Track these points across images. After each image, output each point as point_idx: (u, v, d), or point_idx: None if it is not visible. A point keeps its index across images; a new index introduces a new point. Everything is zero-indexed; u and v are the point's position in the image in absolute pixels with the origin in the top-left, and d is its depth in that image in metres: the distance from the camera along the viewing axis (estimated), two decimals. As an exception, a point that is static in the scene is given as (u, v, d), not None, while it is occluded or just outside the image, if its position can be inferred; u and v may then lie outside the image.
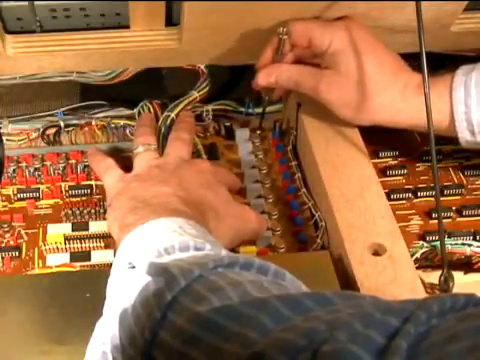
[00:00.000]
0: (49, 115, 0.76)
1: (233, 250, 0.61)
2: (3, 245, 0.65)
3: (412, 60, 0.66)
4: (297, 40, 0.67)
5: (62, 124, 0.76)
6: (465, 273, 0.62)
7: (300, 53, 0.69)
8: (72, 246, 0.64)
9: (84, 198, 0.69)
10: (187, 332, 0.39)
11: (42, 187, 0.70)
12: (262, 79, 0.70)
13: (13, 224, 0.67)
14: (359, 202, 0.63)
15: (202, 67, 0.76)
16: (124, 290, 0.46)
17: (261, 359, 0.35)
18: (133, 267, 0.48)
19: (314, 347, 0.34)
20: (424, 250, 0.62)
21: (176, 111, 0.72)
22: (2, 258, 0.64)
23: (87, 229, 0.66)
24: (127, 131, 0.76)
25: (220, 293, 0.41)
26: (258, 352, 0.36)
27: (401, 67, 0.67)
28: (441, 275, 0.57)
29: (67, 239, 0.65)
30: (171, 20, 0.68)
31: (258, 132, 0.77)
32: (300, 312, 0.38)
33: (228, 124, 0.78)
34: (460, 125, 0.64)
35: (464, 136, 0.65)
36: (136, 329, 0.43)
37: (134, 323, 0.43)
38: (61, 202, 0.69)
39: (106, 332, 0.46)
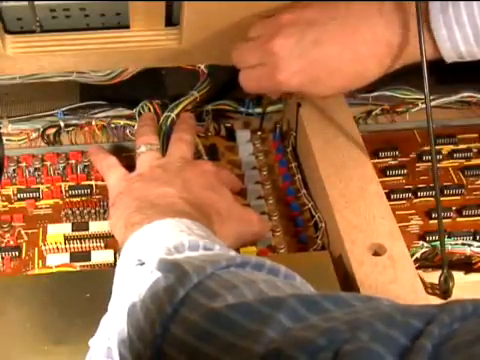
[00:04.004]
0: (49, 115, 0.76)
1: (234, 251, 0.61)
2: (3, 245, 0.65)
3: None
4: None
5: (62, 124, 0.76)
6: (465, 273, 0.62)
7: None
8: (72, 246, 0.64)
9: (84, 198, 0.70)
10: (201, 328, 0.39)
11: (42, 187, 0.70)
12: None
13: (13, 224, 0.67)
14: (359, 202, 0.63)
15: (202, 67, 0.76)
16: (133, 286, 0.46)
17: (279, 356, 0.35)
18: (142, 264, 0.48)
19: (335, 347, 0.34)
20: (424, 250, 0.62)
21: (176, 111, 0.72)
22: (2, 258, 0.64)
23: (87, 229, 0.66)
24: (127, 131, 0.76)
25: (235, 291, 0.41)
26: (276, 349, 0.35)
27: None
28: (441, 275, 0.57)
29: (67, 239, 0.65)
30: (171, 20, 0.68)
31: (259, 133, 0.77)
32: (318, 312, 0.37)
33: (229, 125, 0.78)
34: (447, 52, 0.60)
35: (450, 56, 0.61)
36: (145, 324, 0.43)
37: (143, 318, 0.43)
38: (61, 202, 0.69)
39: (112, 327, 0.46)
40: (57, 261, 0.62)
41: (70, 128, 0.76)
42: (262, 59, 0.64)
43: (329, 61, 0.62)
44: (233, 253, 0.49)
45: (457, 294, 0.57)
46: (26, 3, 0.63)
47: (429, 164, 0.72)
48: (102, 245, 0.64)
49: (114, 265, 0.62)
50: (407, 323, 0.34)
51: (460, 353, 0.32)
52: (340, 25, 0.62)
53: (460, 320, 0.34)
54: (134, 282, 0.47)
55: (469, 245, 0.61)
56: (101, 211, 0.68)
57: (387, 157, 0.74)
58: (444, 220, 0.63)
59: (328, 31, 0.62)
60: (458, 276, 0.59)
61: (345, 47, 0.62)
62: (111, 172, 0.67)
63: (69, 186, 0.70)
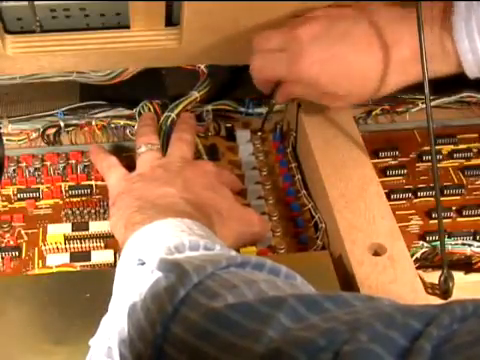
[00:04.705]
0: (49, 115, 0.76)
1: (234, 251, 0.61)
2: (3, 245, 0.65)
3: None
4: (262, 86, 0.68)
5: (62, 124, 0.76)
6: (465, 273, 0.62)
7: None
8: (72, 246, 0.64)
9: (84, 198, 0.70)
10: (201, 327, 0.39)
11: (42, 187, 0.70)
12: (282, 100, 0.71)
13: (13, 224, 0.67)
14: (359, 202, 0.63)
15: (202, 67, 0.76)
16: (133, 285, 0.47)
17: (279, 356, 0.35)
18: (142, 263, 0.48)
19: (335, 347, 0.34)
20: (424, 250, 0.62)
21: (176, 111, 0.72)
22: (2, 258, 0.64)
23: (87, 229, 0.66)
24: (127, 131, 0.76)
25: (235, 290, 0.41)
26: (276, 349, 0.35)
27: (387, 38, 0.62)
28: (441, 275, 0.57)
29: (67, 239, 0.65)
30: (171, 20, 0.68)
31: (259, 134, 0.77)
32: (318, 312, 0.38)
33: (229, 125, 0.78)
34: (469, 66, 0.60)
35: (473, 71, 0.61)
36: (146, 323, 0.43)
37: (144, 317, 0.43)
38: (61, 202, 0.69)
39: (112, 327, 0.46)
40: (57, 261, 0.62)
41: (70, 128, 0.76)
42: (284, 44, 0.64)
43: (351, 58, 0.62)
44: (234, 253, 0.49)
45: (457, 294, 0.57)
46: (26, 3, 0.63)
47: (429, 164, 0.72)
48: (102, 245, 0.64)
49: (114, 265, 0.62)
50: (407, 324, 0.34)
51: (460, 354, 0.32)
52: (369, 26, 0.62)
53: (460, 320, 0.34)
54: (135, 282, 0.47)
55: (469, 245, 0.61)
56: (101, 211, 0.68)
57: (387, 157, 0.74)
58: (444, 220, 0.63)
59: (357, 28, 0.62)
60: (458, 276, 0.59)
61: (369, 49, 0.62)
62: (111, 172, 0.67)
63: (69, 186, 0.70)
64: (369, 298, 0.40)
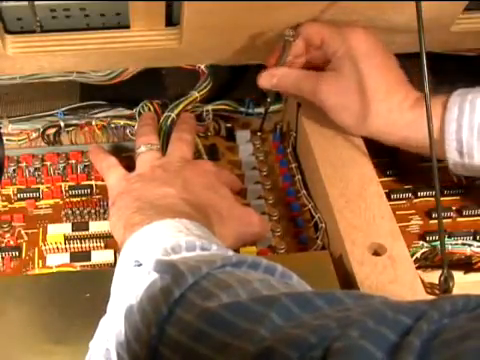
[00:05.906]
0: (49, 115, 0.76)
1: (234, 251, 0.61)
2: (3, 245, 0.65)
3: (412, 60, 0.66)
4: (311, 39, 0.67)
5: (62, 124, 0.76)
6: (465, 273, 0.62)
7: (310, 56, 0.69)
8: (72, 246, 0.64)
9: (84, 198, 0.70)
10: (195, 328, 0.40)
11: (42, 187, 0.70)
12: (264, 80, 0.69)
13: (13, 224, 0.67)
14: (359, 202, 0.63)
15: (202, 67, 0.76)
16: (130, 287, 0.47)
17: (271, 355, 0.35)
18: (139, 265, 0.48)
19: (325, 344, 0.34)
20: (424, 250, 0.62)
21: (176, 111, 0.72)
22: (2, 258, 0.64)
23: (87, 229, 0.66)
24: (127, 131, 0.76)
25: (229, 290, 0.41)
26: (268, 347, 0.36)
27: (403, 80, 0.67)
28: (441, 275, 0.57)
29: (67, 239, 0.65)
30: (171, 20, 0.68)
31: (259, 134, 0.77)
32: (310, 310, 0.38)
33: (229, 125, 0.78)
34: (450, 144, 0.63)
35: (452, 157, 0.63)
36: (142, 325, 0.43)
37: (140, 319, 0.43)
38: (61, 202, 0.69)
39: (110, 329, 0.47)
40: (57, 261, 0.62)
41: (70, 128, 0.76)
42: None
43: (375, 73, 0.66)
44: (230, 253, 0.49)
45: (457, 294, 0.57)
46: (26, 3, 0.63)
47: (429, 164, 0.72)
48: (102, 245, 0.64)
49: (114, 265, 0.62)
50: (397, 320, 0.34)
51: (450, 349, 0.32)
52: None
53: (450, 316, 0.35)
54: (132, 283, 0.47)
55: (469, 245, 0.62)
56: (101, 211, 0.68)
57: (387, 157, 0.74)
58: (444, 220, 0.63)
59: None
60: (458, 276, 0.59)
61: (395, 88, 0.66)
62: (111, 172, 0.67)
63: (69, 186, 0.70)
64: (361, 295, 0.40)
